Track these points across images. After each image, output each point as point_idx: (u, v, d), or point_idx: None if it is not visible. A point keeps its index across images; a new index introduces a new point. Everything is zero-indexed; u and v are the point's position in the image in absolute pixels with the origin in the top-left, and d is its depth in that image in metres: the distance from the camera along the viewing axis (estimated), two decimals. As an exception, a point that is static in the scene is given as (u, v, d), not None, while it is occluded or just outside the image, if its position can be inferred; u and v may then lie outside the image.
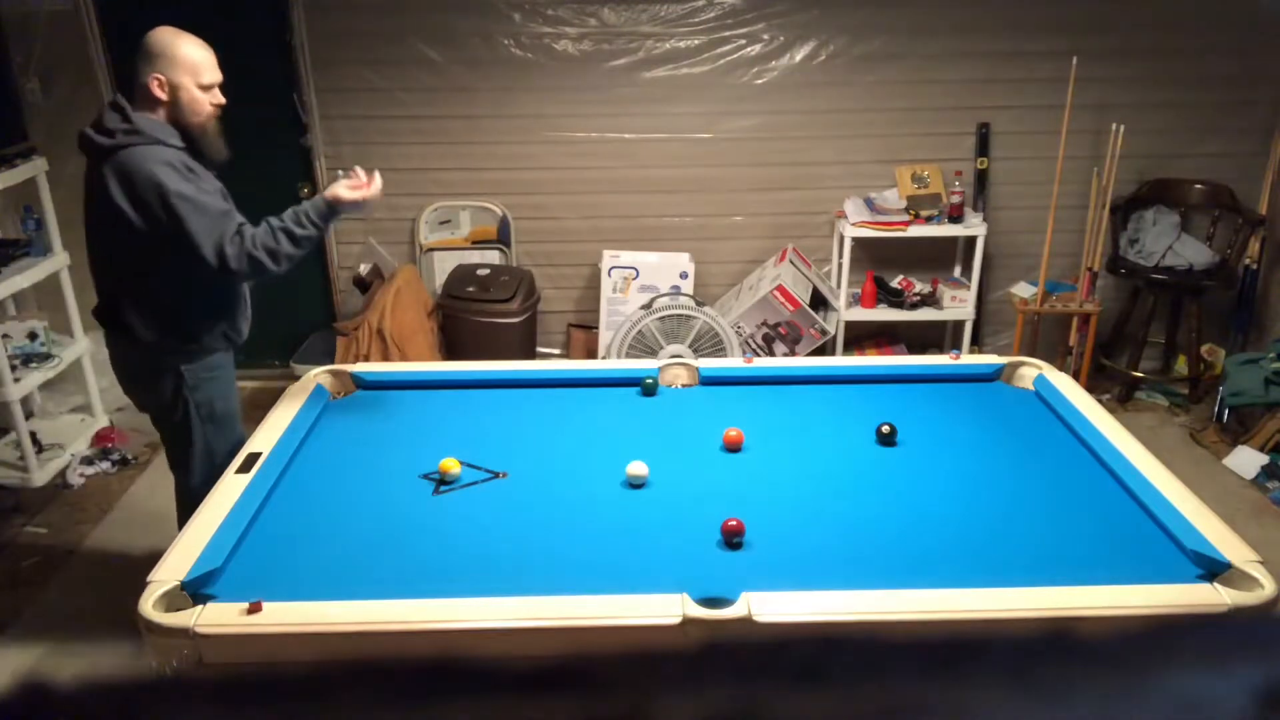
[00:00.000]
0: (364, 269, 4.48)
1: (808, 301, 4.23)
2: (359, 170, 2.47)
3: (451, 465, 2.29)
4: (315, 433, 2.52)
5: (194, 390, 2.51)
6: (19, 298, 4.06)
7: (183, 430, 2.55)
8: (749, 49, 4.28)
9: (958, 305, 4.41)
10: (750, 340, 4.26)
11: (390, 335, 4.01)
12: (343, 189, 2.41)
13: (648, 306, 4.19)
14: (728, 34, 4.26)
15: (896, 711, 0.33)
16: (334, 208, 2.41)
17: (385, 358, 3.99)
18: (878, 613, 1.74)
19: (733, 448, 2.43)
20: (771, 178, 4.48)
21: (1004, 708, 0.33)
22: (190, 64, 2.34)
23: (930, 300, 4.46)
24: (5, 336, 3.84)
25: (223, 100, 2.40)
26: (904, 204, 4.32)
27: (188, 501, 2.49)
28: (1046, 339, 4.56)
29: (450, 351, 4.33)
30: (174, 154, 2.30)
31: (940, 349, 4.68)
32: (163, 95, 2.34)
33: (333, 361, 4.08)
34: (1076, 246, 4.45)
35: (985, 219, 4.39)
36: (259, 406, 2.71)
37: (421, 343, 4.16)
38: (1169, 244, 4.29)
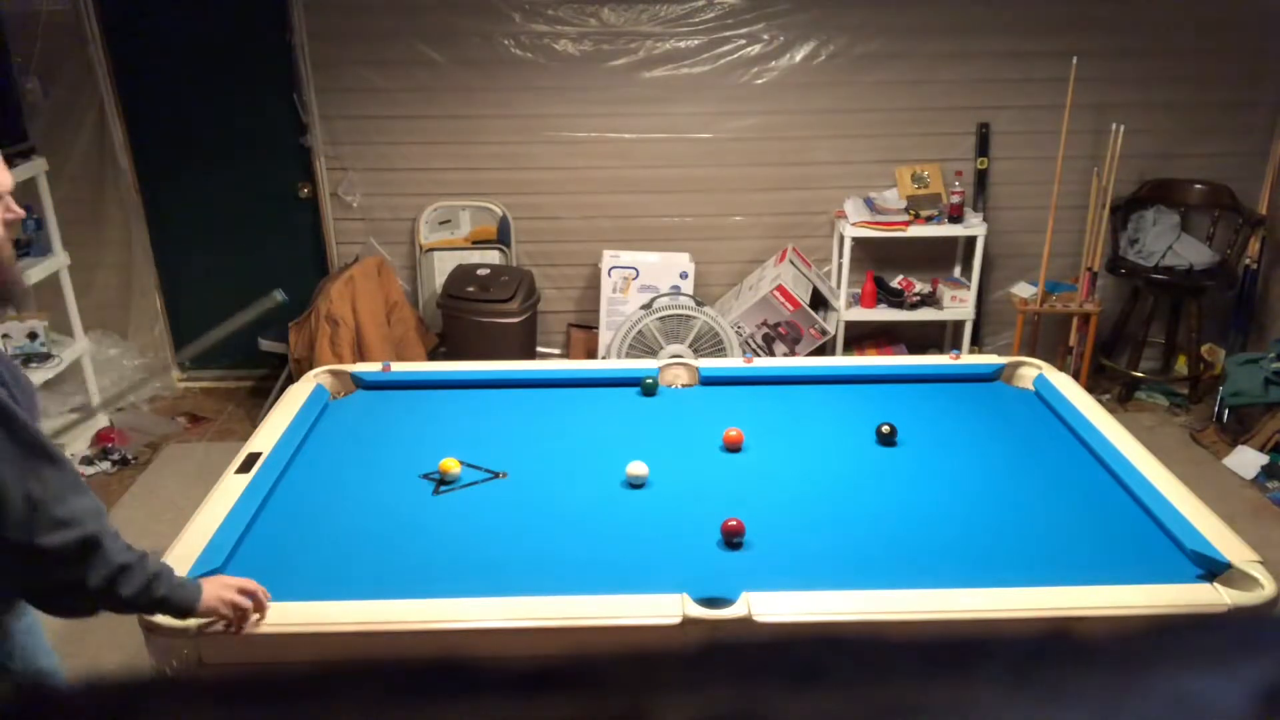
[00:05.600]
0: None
1: (808, 301, 4.23)
2: (261, 597, 1.71)
3: (451, 465, 2.29)
4: (315, 433, 2.52)
5: None
6: (19, 298, 4.05)
7: None
8: (749, 49, 4.28)
9: (958, 305, 4.41)
10: (750, 340, 4.26)
11: (340, 319, 3.97)
12: (225, 600, 1.64)
13: (648, 306, 4.19)
14: (728, 34, 4.26)
15: (896, 711, 0.33)
16: (191, 611, 1.62)
17: (333, 341, 3.95)
18: (878, 613, 1.74)
19: (733, 448, 2.43)
20: (771, 178, 4.48)
21: (1004, 708, 0.33)
22: None
23: (930, 300, 4.46)
24: (5, 336, 3.84)
25: (21, 213, 1.53)
26: (904, 204, 4.32)
27: None
28: (1046, 339, 4.56)
29: (450, 351, 4.33)
30: None
31: (940, 349, 4.68)
32: None
33: (287, 344, 4.07)
34: (1076, 246, 4.45)
35: (985, 219, 4.39)
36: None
37: (375, 335, 4.10)
38: (1169, 244, 4.29)
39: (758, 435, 2.48)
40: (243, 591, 1.67)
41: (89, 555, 1.41)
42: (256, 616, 1.70)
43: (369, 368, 2.90)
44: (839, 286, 4.42)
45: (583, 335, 4.64)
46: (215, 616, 1.66)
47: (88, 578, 1.43)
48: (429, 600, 1.77)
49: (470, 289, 4.20)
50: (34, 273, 3.85)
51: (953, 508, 2.16)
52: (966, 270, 4.47)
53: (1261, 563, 1.84)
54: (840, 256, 4.44)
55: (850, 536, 2.05)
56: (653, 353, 4.10)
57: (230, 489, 2.15)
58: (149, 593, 1.52)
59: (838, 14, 4.22)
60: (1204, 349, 4.49)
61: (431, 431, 2.53)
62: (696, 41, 4.27)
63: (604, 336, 4.39)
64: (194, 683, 0.34)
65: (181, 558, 1.87)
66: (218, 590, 1.65)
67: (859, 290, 4.48)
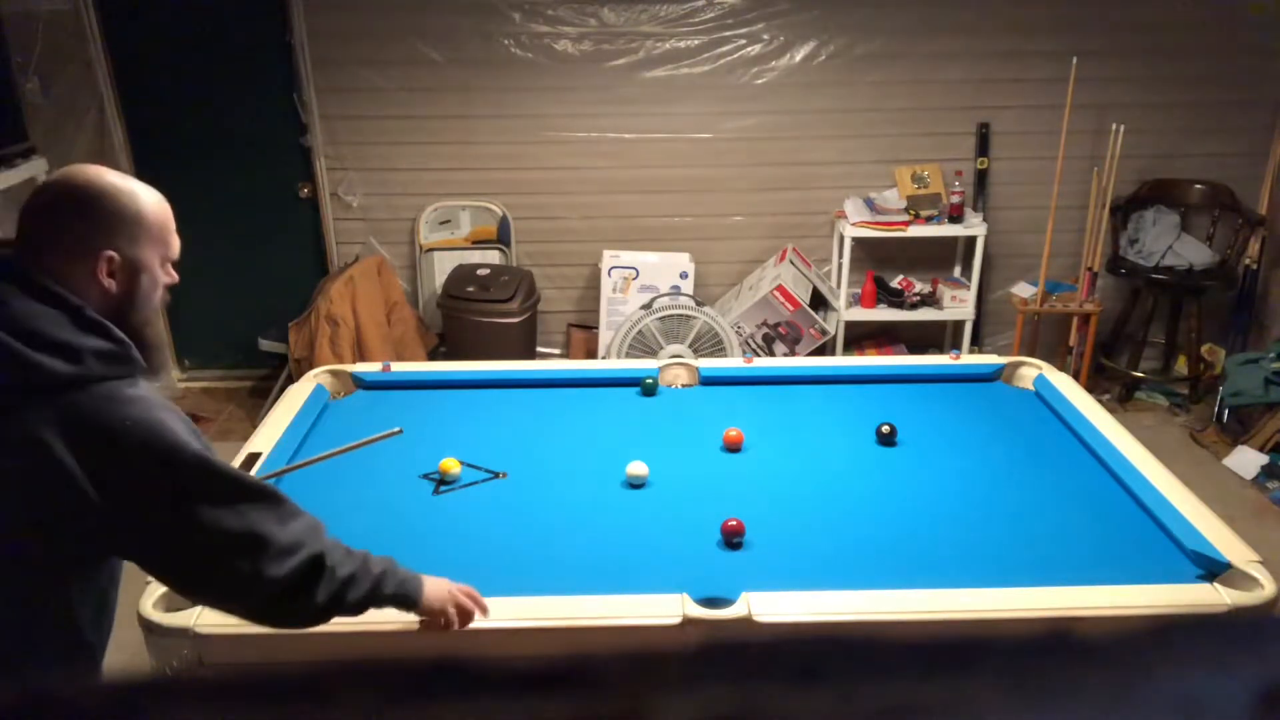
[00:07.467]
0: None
1: (808, 301, 4.23)
2: (483, 604, 1.68)
3: (451, 465, 2.29)
4: (315, 433, 2.52)
5: None
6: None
7: None
8: (749, 49, 4.29)
9: (958, 305, 4.41)
10: (750, 340, 4.26)
11: (340, 319, 3.97)
12: (451, 600, 1.63)
13: (648, 306, 4.19)
14: (728, 34, 4.26)
15: (896, 712, 0.33)
16: (414, 604, 1.60)
17: (333, 341, 3.94)
18: (878, 613, 1.74)
19: (733, 448, 2.43)
20: (771, 178, 4.48)
21: (1004, 708, 0.33)
22: (159, 229, 1.41)
23: (930, 300, 4.46)
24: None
25: (176, 278, 1.46)
26: (904, 204, 4.32)
27: None
28: (1046, 339, 4.56)
29: (450, 351, 4.33)
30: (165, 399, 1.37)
31: (940, 349, 4.68)
32: (112, 285, 1.34)
33: (287, 344, 4.07)
34: (1076, 246, 4.45)
35: (985, 219, 4.39)
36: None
37: (375, 335, 4.10)
38: (1169, 244, 4.29)
39: (758, 435, 2.47)
40: (466, 596, 1.65)
41: (316, 574, 1.42)
42: (479, 616, 1.66)
43: (369, 368, 2.90)
44: (839, 286, 4.42)
45: (583, 335, 4.64)
46: (437, 615, 1.63)
47: (316, 595, 1.42)
48: (429, 600, 1.77)
49: (470, 289, 4.20)
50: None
51: (953, 508, 2.16)
52: (966, 270, 4.47)
53: (1261, 563, 1.84)
54: (840, 256, 4.44)
55: (850, 536, 2.05)
56: (653, 353, 4.10)
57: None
58: (375, 596, 1.53)
59: (838, 14, 4.22)
60: (1204, 349, 4.49)
61: (431, 431, 2.53)
62: (696, 41, 4.27)
63: (604, 336, 4.39)
64: (194, 683, 0.34)
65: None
66: (442, 590, 1.62)
67: (859, 290, 4.48)
